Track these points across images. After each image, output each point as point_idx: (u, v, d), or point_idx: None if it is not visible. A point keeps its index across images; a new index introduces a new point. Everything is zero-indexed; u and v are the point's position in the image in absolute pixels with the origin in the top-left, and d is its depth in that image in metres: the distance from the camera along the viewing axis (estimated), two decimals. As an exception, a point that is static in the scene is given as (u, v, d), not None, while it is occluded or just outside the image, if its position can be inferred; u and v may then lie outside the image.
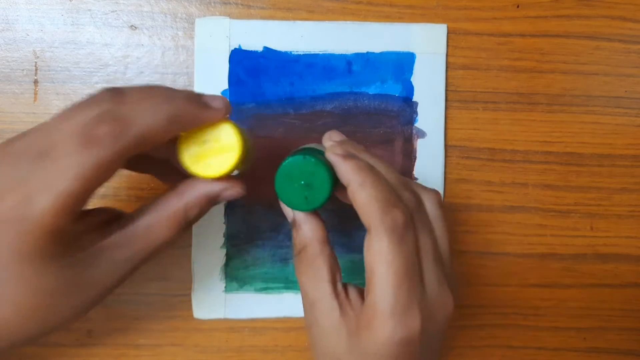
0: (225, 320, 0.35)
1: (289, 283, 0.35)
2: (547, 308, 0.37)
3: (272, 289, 0.35)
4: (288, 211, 0.27)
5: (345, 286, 0.26)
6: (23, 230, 0.21)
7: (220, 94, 0.25)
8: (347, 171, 0.24)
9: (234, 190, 0.26)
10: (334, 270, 0.26)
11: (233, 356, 0.36)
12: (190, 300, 0.35)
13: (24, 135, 0.23)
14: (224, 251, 0.35)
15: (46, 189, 0.21)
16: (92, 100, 0.23)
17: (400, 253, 0.23)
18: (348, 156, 0.25)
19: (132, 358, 0.35)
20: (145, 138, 0.22)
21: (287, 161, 0.25)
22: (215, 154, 0.25)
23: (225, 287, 0.35)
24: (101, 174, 0.22)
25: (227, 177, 0.26)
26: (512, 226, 0.36)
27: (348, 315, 0.25)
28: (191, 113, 0.24)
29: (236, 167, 0.25)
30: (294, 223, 0.27)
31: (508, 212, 0.36)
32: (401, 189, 0.25)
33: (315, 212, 0.27)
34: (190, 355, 0.35)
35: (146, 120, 0.22)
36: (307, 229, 0.26)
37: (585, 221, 0.37)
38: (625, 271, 0.37)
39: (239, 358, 0.36)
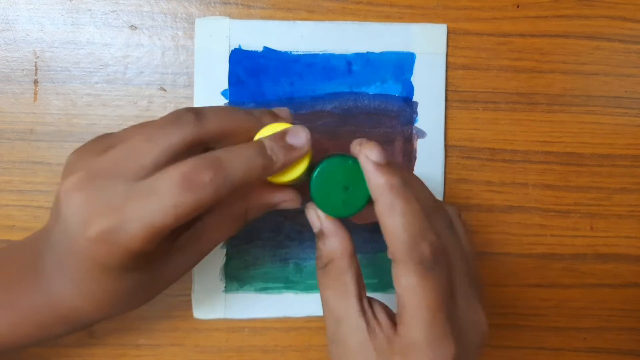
0: (225, 320, 0.35)
1: (289, 283, 0.35)
2: (547, 308, 0.37)
3: (272, 289, 0.35)
4: (315, 221, 0.26)
5: (370, 303, 0.25)
6: (110, 250, 0.22)
7: (302, 127, 0.26)
8: (378, 185, 0.23)
9: (292, 203, 0.28)
10: (361, 286, 0.25)
11: (233, 356, 0.36)
12: (190, 300, 0.35)
13: (108, 150, 0.23)
14: (224, 251, 0.35)
15: (140, 220, 0.22)
16: (175, 121, 0.24)
17: (431, 288, 0.23)
18: (383, 165, 0.24)
19: (132, 358, 0.35)
20: (242, 184, 0.24)
21: (325, 163, 0.25)
22: None
23: (225, 287, 0.35)
24: (195, 213, 0.23)
25: (287, 188, 0.28)
26: (512, 226, 0.36)
27: (377, 336, 0.24)
28: (281, 162, 0.25)
29: (302, 177, 0.26)
30: (321, 234, 0.26)
31: (508, 212, 0.36)
32: (434, 211, 0.25)
33: (342, 223, 0.26)
34: (190, 355, 0.35)
35: (244, 169, 0.23)
36: (335, 241, 0.25)
37: (585, 221, 0.37)
38: (625, 271, 0.37)
39: (239, 358, 0.36)
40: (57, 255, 0.24)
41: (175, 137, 0.23)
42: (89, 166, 0.23)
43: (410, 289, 0.23)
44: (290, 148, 0.25)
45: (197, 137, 0.24)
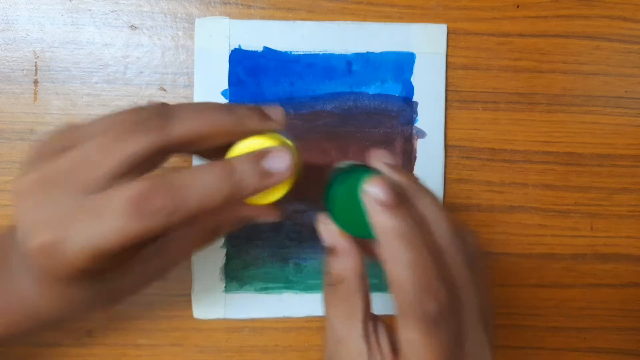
0: (225, 320, 0.35)
1: (289, 283, 0.35)
2: (547, 308, 0.37)
3: (272, 289, 0.35)
4: (327, 236, 0.24)
5: (375, 326, 0.24)
6: (53, 263, 0.21)
7: (284, 150, 0.22)
8: (383, 229, 0.21)
9: (270, 217, 0.26)
10: (368, 308, 0.24)
11: (233, 356, 0.36)
12: (190, 300, 0.35)
13: (65, 152, 0.21)
14: (224, 251, 0.35)
15: (83, 240, 0.21)
16: (137, 127, 0.21)
17: (435, 345, 0.21)
18: (391, 206, 0.21)
19: (132, 358, 0.35)
20: (201, 212, 0.21)
21: (345, 174, 0.23)
22: None
23: (225, 287, 0.35)
24: (143, 239, 0.21)
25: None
26: (512, 226, 0.36)
27: (376, 355, 0.23)
28: (251, 189, 0.22)
29: (283, 199, 0.24)
30: (333, 251, 0.24)
31: (508, 212, 0.36)
32: (451, 244, 0.23)
33: (356, 242, 0.24)
34: (190, 355, 0.35)
35: (202, 197, 0.21)
36: (348, 261, 0.23)
37: (585, 221, 0.37)
38: (625, 271, 0.37)
39: (239, 358, 0.36)
40: (20, 254, 0.23)
41: (136, 147, 0.21)
42: (44, 168, 0.21)
43: (412, 344, 0.21)
44: (265, 174, 0.22)
45: (162, 145, 0.21)
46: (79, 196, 0.21)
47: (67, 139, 0.22)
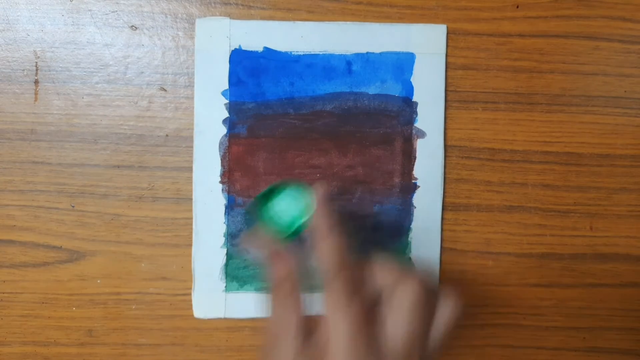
0: (225, 320, 0.35)
1: (289, 283, 0.35)
2: (547, 308, 0.37)
3: (272, 288, 0.35)
4: (265, 245, 0.28)
5: (309, 323, 0.27)
6: None
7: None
8: (316, 217, 0.27)
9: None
10: (303, 305, 0.27)
11: (233, 356, 0.36)
12: (190, 300, 0.35)
13: None
14: (224, 251, 0.35)
15: None
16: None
17: (351, 314, 0.25)
18: (324, 205, 0.27)
19: (133, 357, 0.35)
20: None
21: (279, 193, 0.29)
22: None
23: (225, 286, 0.35)
24: None
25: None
26: (512, 226, 0.36)
27: (306, 351, 0.25)
28: None
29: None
30: (272, 257, 0.28)
31: (508, 211, 0.36)
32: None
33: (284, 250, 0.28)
34: (190, 355, 0.35)
35: None
36: (286, 263, 0.27)
37: (584, 221, 0.37)
38: (625, 271, 0.37)
39: (239, 358, 0.36)
40: None
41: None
42: None
43: (333, 311, 0.25)
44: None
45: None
46: None
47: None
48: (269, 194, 0.29)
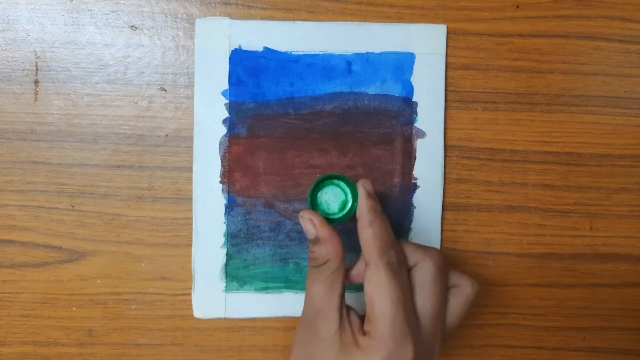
0: (225, 320, 0.35)
1: (289, 282, 0.35)
2: (547, 308, 0.37)
3: (272, 288, 0.35)
4: (310, 228, 0.29)
5: (348, 307, 0.29)
6: None
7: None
8: (364, 206, 0.29)
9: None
10: (344, 287, 0.29)
11: (233, 356, 0.36)
12: (190, 300, 0.35)
13: None
14: (224, 251, 0.35)
15: None
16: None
17: (396, 286, 0.27)
18: (371, 196, 0.30)
19: (133, 358, 0.35)
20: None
21: (329, 182, 0.31)
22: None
23: (225, 286, 0.35)
24: None
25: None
26: (512, 226, 0.36)
27: (345, 331, 0.28)
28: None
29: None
30: (317, 240, 0.29)
31: (507, 211, 0.36)
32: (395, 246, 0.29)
33: (336, 231, 0.30)
34: (190, 355, 0.35)
35: None
36: (331, 245, 0.29)
37: (584, 221, 0.37)
38: (625, 271, 0.37)
39: (239, 358, 0.36)
40: None
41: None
42: None
43: (379, 286, 0.27)
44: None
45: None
46: None
47: None
48: (320, 183, 0.31)
